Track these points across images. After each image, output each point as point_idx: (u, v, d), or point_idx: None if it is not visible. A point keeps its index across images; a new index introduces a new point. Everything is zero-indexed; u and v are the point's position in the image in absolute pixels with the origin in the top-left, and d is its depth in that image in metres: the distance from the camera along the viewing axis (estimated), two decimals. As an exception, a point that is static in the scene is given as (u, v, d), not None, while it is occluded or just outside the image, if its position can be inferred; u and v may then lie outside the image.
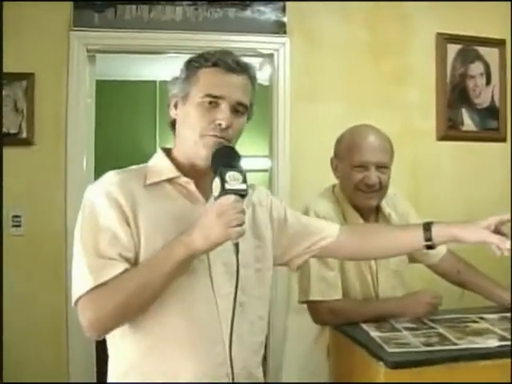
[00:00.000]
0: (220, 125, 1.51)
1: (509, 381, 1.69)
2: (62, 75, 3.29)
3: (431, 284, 2.40)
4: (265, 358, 1.74)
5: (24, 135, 3.22)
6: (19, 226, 3.18)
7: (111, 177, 1.54)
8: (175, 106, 1.59)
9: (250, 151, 5.24)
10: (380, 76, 3.56)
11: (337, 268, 2.15)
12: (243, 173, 1.43)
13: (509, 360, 1.70)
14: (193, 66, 1.55)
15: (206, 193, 1.55)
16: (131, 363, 1.50)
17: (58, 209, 3.23)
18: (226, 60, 1.53)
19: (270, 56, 3.51)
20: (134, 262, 1.46)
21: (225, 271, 1.53)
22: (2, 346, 2.60)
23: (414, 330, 1.94)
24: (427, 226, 1.70)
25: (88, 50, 3.35)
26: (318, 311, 2.14)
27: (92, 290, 1.40)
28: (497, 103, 3.69)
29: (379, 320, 2.06)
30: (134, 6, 3.33)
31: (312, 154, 3.32)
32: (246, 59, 1.60)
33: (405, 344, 1.79)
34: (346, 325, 2.04)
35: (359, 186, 2.19)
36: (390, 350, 1.73)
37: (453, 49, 3.62)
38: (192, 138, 1.52)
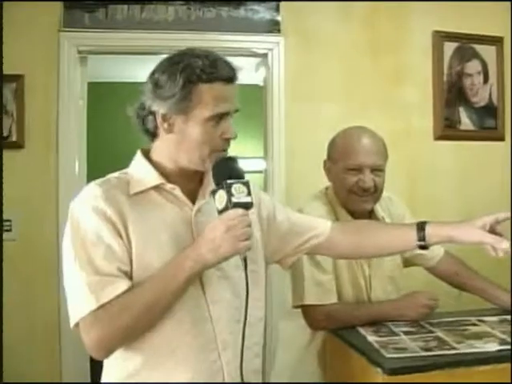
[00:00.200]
0: (228, 139, 1.50)
1: (510, 386, 1.65)
2: (53, 77, 3.24)
3: (427, 286, 2.36)
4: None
5: (14, 138, 3.18)
6: (10, 230, 3.13)
7: (93, 189, 1.48)
8: (165, 120, 1.50)
9: (245, 152, 5.21)
10: (376, 75, 3.51)
11: (331, 272, 2.11)
12: (247, 184, 1.43)
13: (509, 364, 1.67)
14: (187, 80, 1.45)
15: (191, 195, 1.54)
16: (126, 373, 1.48)
17: (49, 213, 3.19)
18: (224, 71, 1.48)
19: (264, 56, 3.46)
20: (130, 275, 1.43)
21: (219, 276, 1.51)
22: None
23: (412, 334, 1.90)
24: (421, 226, 1.67)
25: (79, 51, 3.30)
26: (313, 316, 2.10)
27: (95, 310, 1.37)
28: (494, 102, 3.65)
29: (376, 323, 2.02)
30: (125, 6, 3.29)
31: (308, 155, 3.27)
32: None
33: (403, 349, 1.75)
34: (342, 329, 2.00)
35: (353, 189, 2.15)
36: (388, 356, 1.70)
37: (450, 47, 3.58)
38: (199, 156, 1.49)
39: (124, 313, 1.38)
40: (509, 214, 1.60)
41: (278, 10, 3.40)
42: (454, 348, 1.74)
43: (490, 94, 3.64)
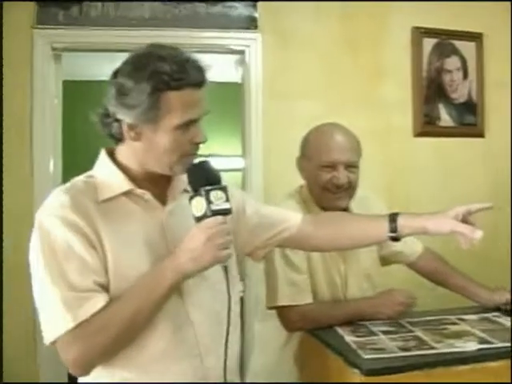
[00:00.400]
0: (198, 143, 1.46)
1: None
2: (26, 75, 3.19)
3: (403, 284, 2.32)
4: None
5: (-14, 136, 3.10)
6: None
7: (60, 197, 1.42)
8: (132, 129, 1.43)
9: (223, 151, 5.18)
10: (355, 72, 3.48)
11: (306, 271, 2.08)
12: (226, 190, 1.40)
13: (489, 364, 1.66)
14: (154, 88, 1.36)
15: (160, 197, 1.50)
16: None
17: (24, 214, 3.11)
18: (193, 76, 1.40)
19: (241, 53, 3.41)
20: (107, 287, 1.38)
21: (198, 279, 1.46)
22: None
23: (391, 334, 1.88)
24: (393, 217, 1.64)
25: (53, 49, 3.24)
26: (288, 317, 2.07)
27: (72, 328, 1.32)
28: (474, 98, 3.63)
29: (352, 321, 2.00)
30: (99, 3, 3.23)
31: (286, 153, 3.20)
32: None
33: (381, 349, 1.72)
34: (319, 329, 1.97)
35: (327, 186, 2.12)
36: (366, 357, 1.66)
37: (429, 43, 3.56)
38: (168, 162, 1.44)
39: (103, 330, 1.34)
40: (481, 205, 1.58)
41: (255, 6, 3.36)
42: (433, 348, 1.72)
43: (470, 91, 3.63)
